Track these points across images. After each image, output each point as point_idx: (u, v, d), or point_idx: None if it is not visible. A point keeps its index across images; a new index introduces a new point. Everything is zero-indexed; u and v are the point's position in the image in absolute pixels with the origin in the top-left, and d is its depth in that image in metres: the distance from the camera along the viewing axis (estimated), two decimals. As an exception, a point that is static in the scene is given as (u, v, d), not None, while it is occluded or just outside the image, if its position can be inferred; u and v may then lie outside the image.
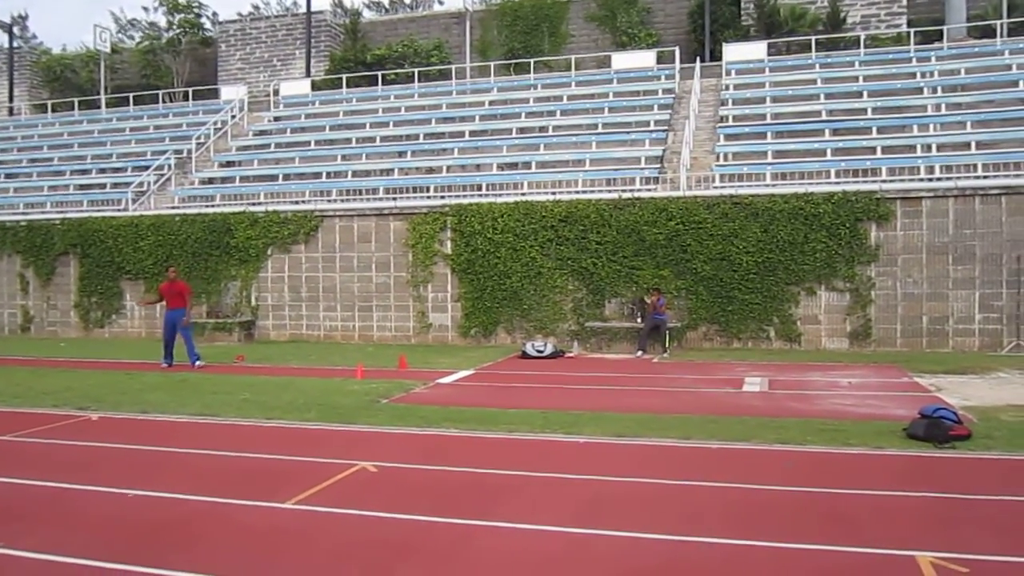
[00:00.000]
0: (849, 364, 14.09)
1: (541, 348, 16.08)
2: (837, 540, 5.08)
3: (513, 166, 20.92)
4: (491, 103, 24.90)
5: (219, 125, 26.63)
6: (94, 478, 6.84)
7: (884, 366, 13.71)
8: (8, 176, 26.69)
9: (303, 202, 20.93)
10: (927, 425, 7.78)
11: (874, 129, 18.95)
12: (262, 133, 26.14)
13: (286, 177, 22.57)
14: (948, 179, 16.31)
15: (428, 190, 20.19)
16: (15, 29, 38.72)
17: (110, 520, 5.75)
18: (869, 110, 19.85)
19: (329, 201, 20.61)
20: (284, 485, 6.50)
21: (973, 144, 17.51)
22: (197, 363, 14.62)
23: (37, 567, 4.86)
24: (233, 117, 27.32)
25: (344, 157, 22.97)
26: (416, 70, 28.42)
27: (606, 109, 22.83)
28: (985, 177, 16.28)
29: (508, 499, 6.13)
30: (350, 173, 21.92)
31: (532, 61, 27.75)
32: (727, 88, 22.81)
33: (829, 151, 18.33)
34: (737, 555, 4.91)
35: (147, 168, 24.08)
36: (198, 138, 25.28)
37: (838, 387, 11.49)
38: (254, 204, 20.93)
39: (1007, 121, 18.25)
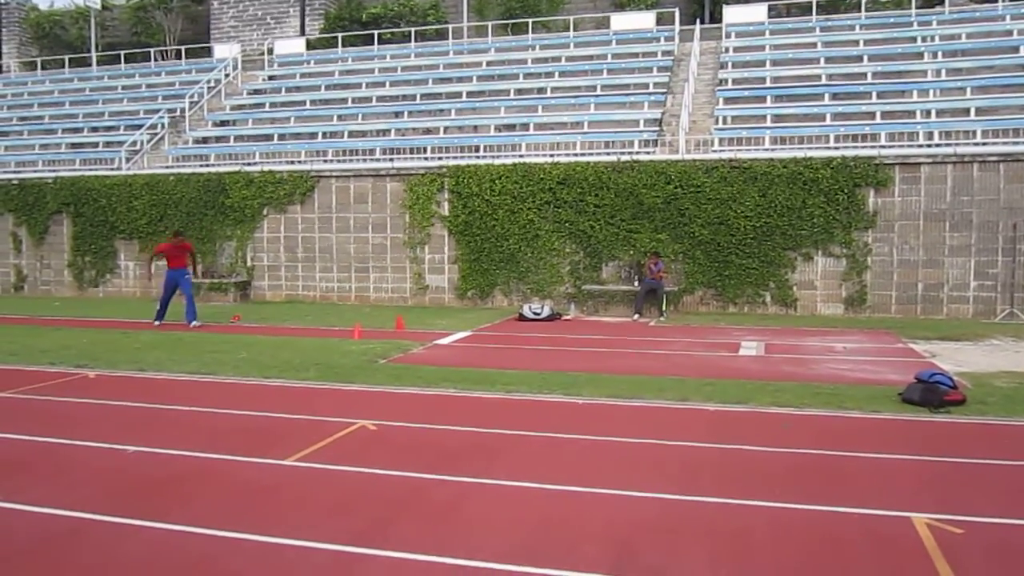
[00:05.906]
0: (844, 329, 14.15)
1: (538, 310, 16.10)
2: (834, 501, 5.13)
3: (511, 127, 20.74)
4: (488, 63, 24.60)
5: (212, 84, 26.27)
6: (93, 434, 6.85)
7: (879, 332, 13.77)
8: (-1, 133, 26.40)
9: (299, 162, 20.76)
10: (923, 390, 7.83)
11: (874, 94, 18.81)
12: (256, 92, 25.83)
13: (281, 137, 22.35)
14: (947, 145, 16.24)
15: (425, 151, 20.03)
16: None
17: (109, 475, 5.77)
18: (869, 75, 19.66)
19: (325, 161, 20.46)
20: (284, 442, 6.53)
21: (972, 110, 17.42)
22: (193, 323, 14.59)
23: (38, 520, 4.88)
24: (227, 76, 26.96)
25: (340, 117, 22.73)
26: (412, 29, 28.02)
27: (605, 71, 22.57)
28: (984, 144, 16.22)
29: (505, 458, 6.17)
30: (346, 133, 21.72)
31: (530, 21, 27.37)
32: (727, 51, 22.58)
33: (828, 116, 18.20)
34: (733, 514, 4.96)
35: (140, 127, 23.79)
36: (191, 97, 24.95)
37: (834, 352, 11.55)
38: (249, 164, 20.76)
39: (1007, 87, 18.13)
